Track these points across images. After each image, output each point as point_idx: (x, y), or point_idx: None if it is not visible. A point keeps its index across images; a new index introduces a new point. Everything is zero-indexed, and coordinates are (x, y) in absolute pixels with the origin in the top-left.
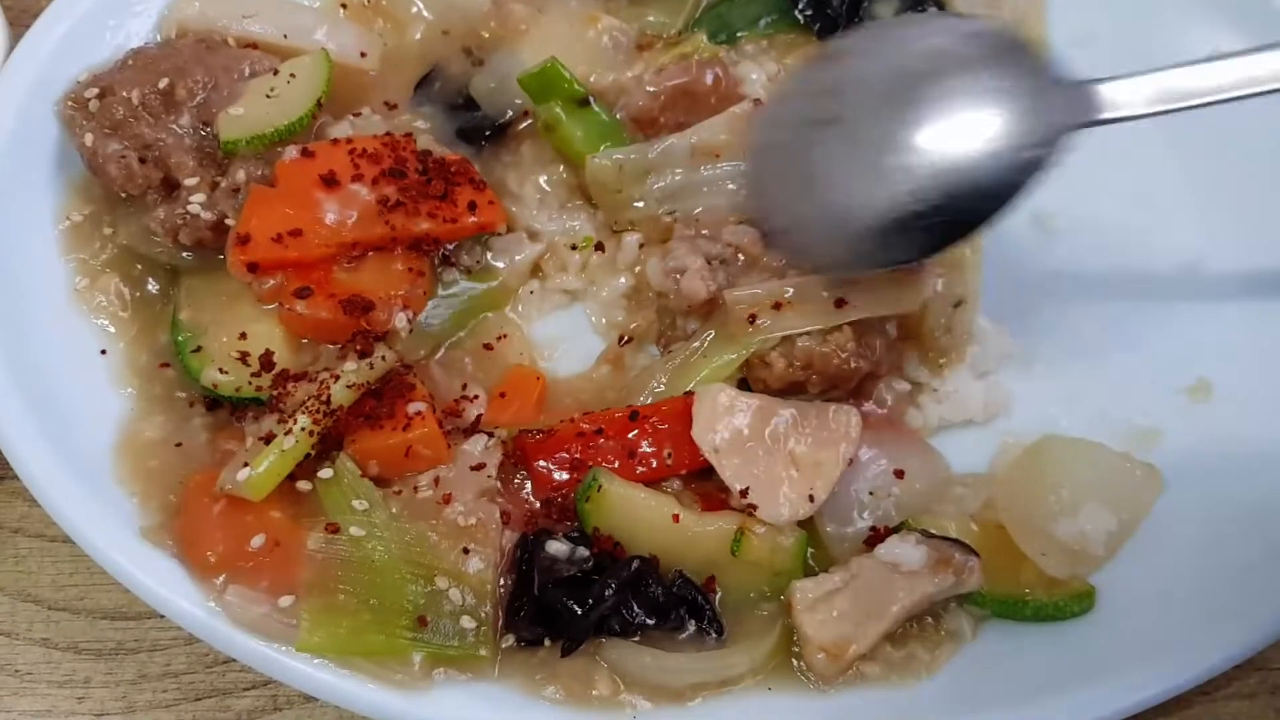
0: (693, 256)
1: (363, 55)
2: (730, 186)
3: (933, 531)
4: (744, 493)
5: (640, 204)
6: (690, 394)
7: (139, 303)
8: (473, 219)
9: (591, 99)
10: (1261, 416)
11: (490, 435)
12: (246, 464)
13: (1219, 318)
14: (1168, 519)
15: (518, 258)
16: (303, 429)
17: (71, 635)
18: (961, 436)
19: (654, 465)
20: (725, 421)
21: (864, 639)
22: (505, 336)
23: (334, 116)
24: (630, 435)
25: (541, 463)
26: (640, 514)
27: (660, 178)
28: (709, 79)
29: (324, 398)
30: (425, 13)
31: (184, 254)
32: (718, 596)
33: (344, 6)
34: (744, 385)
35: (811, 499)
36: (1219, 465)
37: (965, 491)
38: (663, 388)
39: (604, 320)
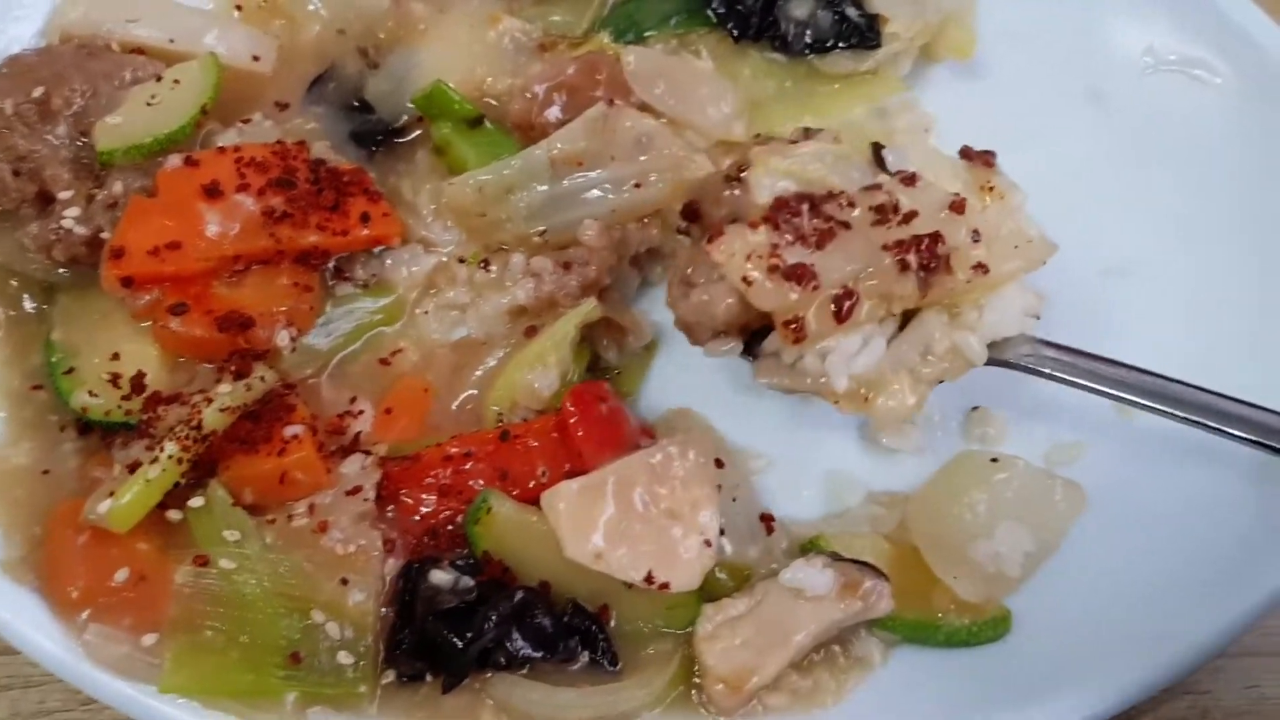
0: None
1: (256, 59)
2: (596, 194)
3: (842, 554)
4: (649, 578)
5: (509, 224)
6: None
7: (13, 322)
8: (365, 231)
9: (485, 118)
10: (1187, 429)
11: (368, 454)
12: (111, 494)
13: (1144, 326)
14: (1090, 538)
15: (414, 269)
16: (170, 456)
17: None
18: (878, 455)
19: (530, 485)
20: (589, 519)
21: (766, 669)
22: (402, 350)
23: (222, 123)
24: (501, 456)
25: (405, 492)
26: (532, 538)
27: (523, 195)
28: (589, 73)
29: (195, 423)
30: (322, 11)
31: (59, 271)
32: (613, 625)
33: (239, 8)
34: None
35: (708, 543)
36: (1143, 481)
37: (881, 511)
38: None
39: (484, 337)
